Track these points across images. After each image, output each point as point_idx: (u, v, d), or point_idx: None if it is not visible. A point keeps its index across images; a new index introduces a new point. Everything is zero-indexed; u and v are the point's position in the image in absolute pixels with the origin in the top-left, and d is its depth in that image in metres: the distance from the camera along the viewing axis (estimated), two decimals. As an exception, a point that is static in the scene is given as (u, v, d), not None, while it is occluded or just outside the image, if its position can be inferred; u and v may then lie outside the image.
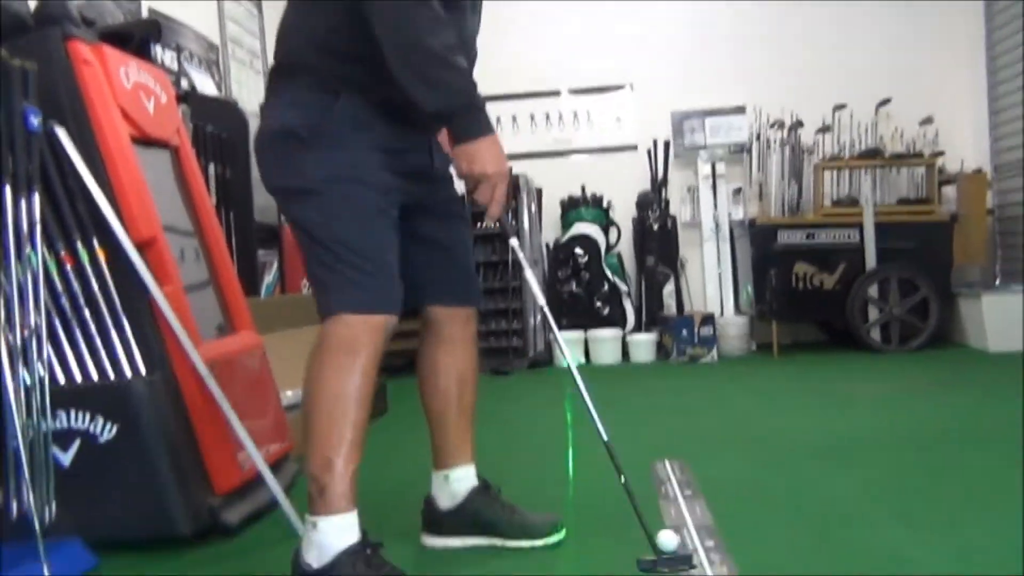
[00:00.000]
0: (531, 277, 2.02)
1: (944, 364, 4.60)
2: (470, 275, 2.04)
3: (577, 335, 5.62)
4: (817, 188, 5.36)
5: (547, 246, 5.85)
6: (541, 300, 2.05)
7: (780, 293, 5.25)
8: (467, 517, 1.99)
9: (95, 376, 2.15)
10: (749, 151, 5.77)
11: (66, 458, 2.11)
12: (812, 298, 5.27)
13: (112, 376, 2.15)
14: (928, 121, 5.45)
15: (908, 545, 1.85)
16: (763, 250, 5.33)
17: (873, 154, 5.36)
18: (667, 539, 1.73)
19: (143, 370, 2.17)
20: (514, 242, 1.94)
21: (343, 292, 1.70)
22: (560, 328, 5.59)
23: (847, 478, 2.44)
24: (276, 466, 2.48)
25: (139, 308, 2.19)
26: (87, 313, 2.14)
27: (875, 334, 5.23)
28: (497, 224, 1.83)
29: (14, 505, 1.96)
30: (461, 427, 2.03)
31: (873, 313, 5.23)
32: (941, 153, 5.38)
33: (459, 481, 2.01)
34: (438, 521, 2.02)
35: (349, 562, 1.62)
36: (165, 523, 2.14)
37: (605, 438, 1.82)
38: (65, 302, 2.13)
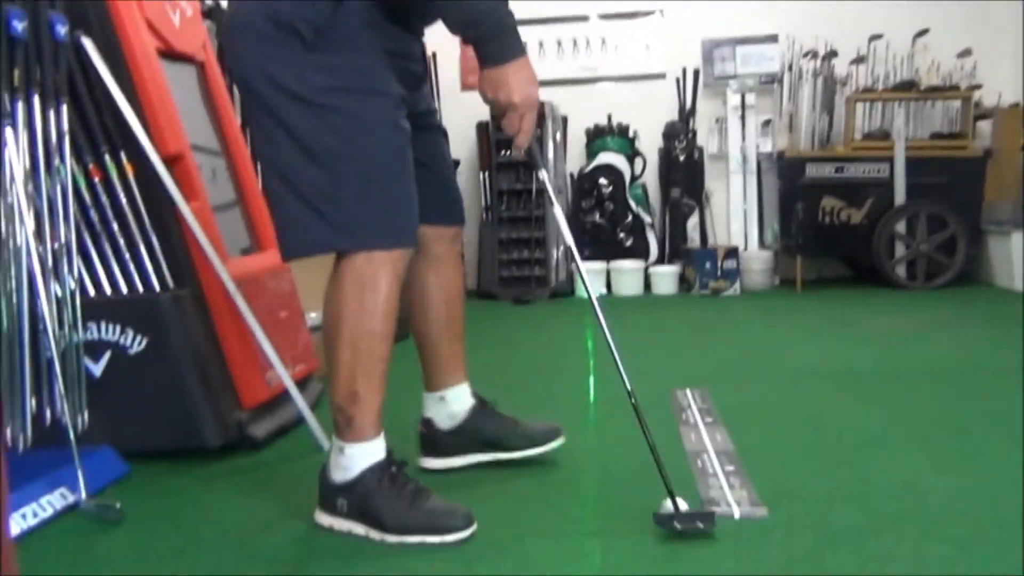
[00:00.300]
0: (559, 214, 1.92)
1: (970, 302, 4.56)
2: (454, 191, 1.95)
3: (599, 266, 5.61)
4: (848, 121, 5.25)
5: (571, 176, 5.80)
6: (569, 239, 1.96)
7: (806, 228, 5.19)
8: (469, 435, 1.99)
9: (124, 289, 2.18)
10: (780, 82, 5.64)
11: (97, 369, 2.15)
12: (838, 233, 5.20)
13: (141, 290, 2.18)
14: (966, 53, 5.30)
15: (927, 474, 1.86)
16: (790, 183, 5.25)
17: (908, 86, 5.22)
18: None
19: (171, 284, 2.20)
20: (543, 175, 1.84)
21: (365, 228, 1.59)
22: (582, 259, 5.63)
23: (868, 408, 2.45)
24: (301, 384, 2.51)
25: (167, 223, 2.20)
26: (115, 227, 2.16)
27: (901, 271, 5.17)
28: (525, 154, 1.73)
29: (48, 413, 2.01)
30: (453, 347, 1.99)
31: (900, 249, 5.17)
32: (978, 86, 5.23)
33: (457, 400, 1.99)
34: (439, 442, 2.00)
35: (374, 478, 1.64)
36: (193, 435, 2.19)
37: (628, 387, 1.76)
38: (94, 215, 2.14)
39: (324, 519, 1.71)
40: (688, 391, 2.71)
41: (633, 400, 1.76)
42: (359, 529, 1.65)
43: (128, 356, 2.15)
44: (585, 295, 5.58)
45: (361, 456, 1.66)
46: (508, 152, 5.63)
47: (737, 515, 1.66)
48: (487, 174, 5.75)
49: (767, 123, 5.74)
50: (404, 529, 1.60)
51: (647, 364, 3.29)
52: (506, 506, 1.76)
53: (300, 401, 2.31)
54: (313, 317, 2.82)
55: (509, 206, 5.62)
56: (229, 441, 2.23)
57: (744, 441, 2.14)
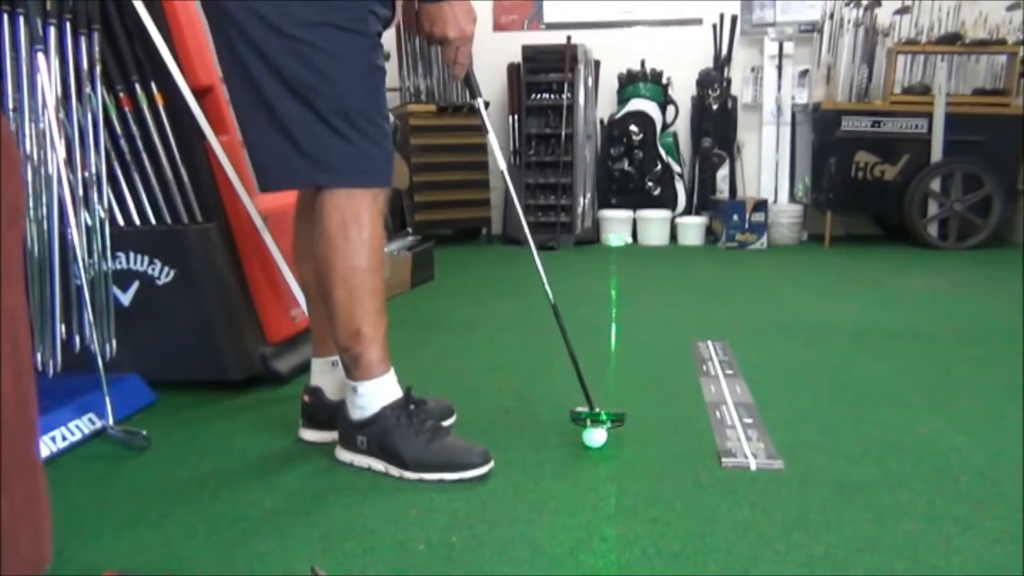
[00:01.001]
0: (494, 141, 1.96)
1: (1001, 264, 4.48)
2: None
3: (626, 214, 5.58)
4: (889, 73, 5.12)
5: (601, 122, 5.73)
6: (502, 164, 2.02)
7: (838, 182, 5.11)
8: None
9: (153, 220, 2.19)
10: (820, 31, 5.50)
11: (126, 298, 2.18)
12: (871, 189, 5.12)
13: (169, 222, 2.19)
14: (1016, 6, 5.13)
15: (947, 433, 1.85)
16: (825, 136, 5.16)
17: (952, 39, 5.08)
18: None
19: (199, 218, 2.21)
20: (480, 103, 1.87)
21: (350, 164, 1.61)
22: (609, 207, 5.60)
23: (890, 366, 2.43)
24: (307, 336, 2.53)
25: (196, 156, 2.20)
26: (145, 158, 2.17)
27: (932, 230, 5.10)
28: (464, 83, 1.81)
29: (77, 340, 2.04)
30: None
31: (933, 208, 5.08)
32: (1026, 42, 5.09)
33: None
34: (326, 414, 1.84)
35: (392, 416, 1.67)
36: (218, 367, 2.22)
37: (551, 299, 1.89)
38: (124, 145, 2.15)
39: (344, 455, 1.73)
40: (709, 343, 2.70)
41: (553, 303, 1.88)
42: (378, 465, 1.68)
43: (156, 287, 2.18)
44: (611, 243, 5.57)
45: (376, 394, 1.68)
46: (536, 95, 5.57)
47: (754, 467, 1.67)
48: (516, 117, 5.69)
49: (804, 73, 5.62)
50: (422, 466, 1.63)
51: (670, 314, 3.29)
52: (525, 448, 1.78)
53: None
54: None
55: (537, 151, 5.58)
56: (253, 375, 2.27)
57: (763, 395, 2.14)
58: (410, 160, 4.98)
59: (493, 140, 1.95)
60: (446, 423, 1.94)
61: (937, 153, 5.01)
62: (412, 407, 1.69)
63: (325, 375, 1.89)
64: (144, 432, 1.83)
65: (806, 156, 5.50)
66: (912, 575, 1.24)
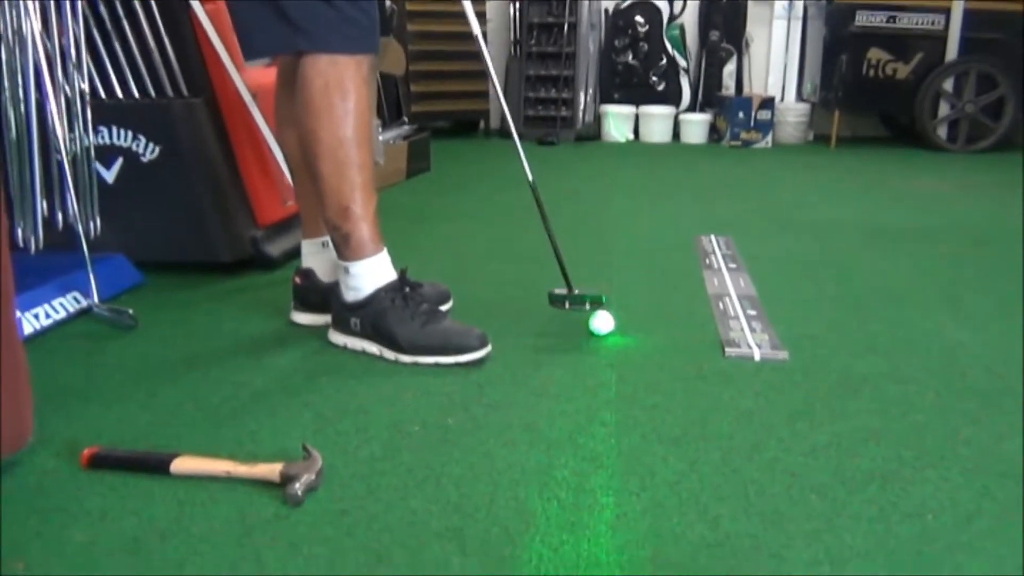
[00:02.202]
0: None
1: (1010, 168, 4.39)
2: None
3: (628, 110, 5.43)
4: (908, -35, 4.91)
5: (605, 11, 5.51)
6: (476, 30, 1.96)
7: (849, 80, 4.95)
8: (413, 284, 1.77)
9: (136, 93, 2.09)
10: (838, -81, 5.24)
11: (110, 175, 2.10)
12: (882, 88, 4.97)
13: (154, 95, 2.09)
14: None
15: (954, 329, 1.81)
16: (837, 31, 4.98)
17: (977, -70, 4.85)
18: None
19: (185, 91, 2.10)
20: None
21: (333, 29, 1.52)
22: (611, 102, 5.44)
23: (897, 264, 2.38)
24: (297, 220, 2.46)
25: (181, 25, 2.09)
26: (127, 25, 2.04)
27: (942, 132, 4.98)
28: None
29: (59, 217, 1.96)
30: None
31: (944, 108, 4.95)
32: (1054, -66, 4.85)
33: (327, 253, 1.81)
34: (318, 296, 1.79)
35: (387, 298, 1.61)
36: (207, 249, 2.16)
37: (530, 178, 1.92)
38: (103, 10, 2.02)
39: (338, 338, 1.69)
40: (713, 237, 2.64)
41: (533, 186, 1.89)
42: (372, 348, 1.63)
43: (141, 164, 2.09)
44: (613, 139, 5.42)
45: (369, 275, 1.62)
46: (541, -18, 5.34)
47: (758, 357, 1.62)
48: (517, 5, 5.47)
49: (819, -35, 5.38)
50: (418, 348, 1.58)
51: (672, 209, 3.22)
52: (524, 334, 1.73)
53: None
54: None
55: (539, 41, 5.39)
56: (243, 258, 2.21)
57: (767, 288, 2.09)
58: (407, 48, 4.80)
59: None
60: (442, 309, 1.89)
61: (952, 51, 4.84)
62: (407, 289, 1.64)
63: (316, 256, 1.83)
64: (131, 311, 1.78)
65: (816, 54, 5.32)
66: (920, 463, 1.21)
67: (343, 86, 1.52)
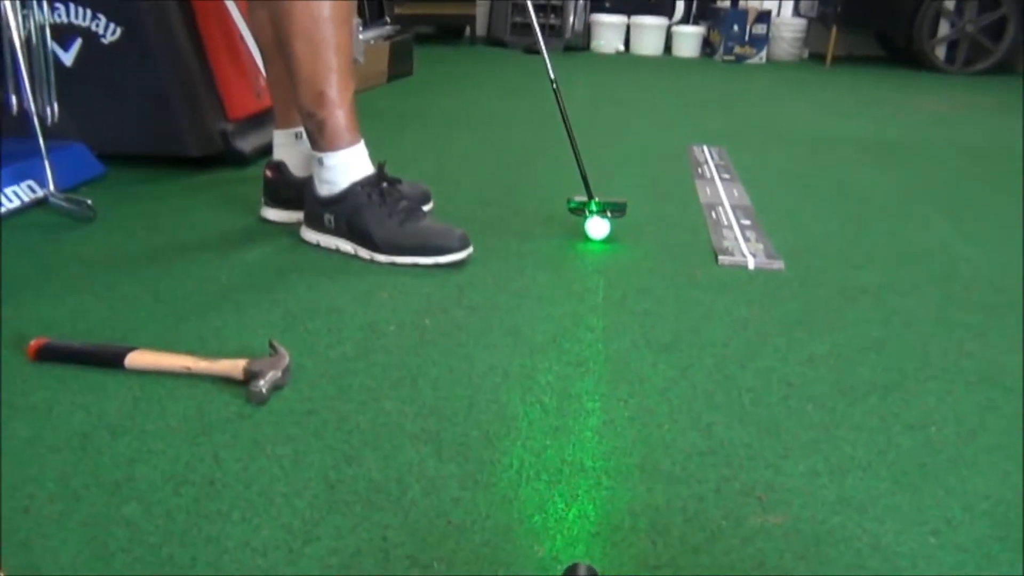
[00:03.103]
0: None
1: (1007, 90, 4.28)
2: None
3: (619, 19, 5.24)
4: None
5: (600, -86, 5.27)
6: None
7: (847, -5, 4.79)
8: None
9: (94, -30, 1.93)
10: None
11: (68, 57, 1.96)
12: (881, 5, 4.82)
13: (114, -29, 1.93)
14: None
15: (956, 243, 1.74)
16: (839, -57, 4.79)
17: None
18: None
19: (151, -30, 1.95)
20: None
21: None
22: (603, 11, 5.24)
23: (895, 177, 2.30)
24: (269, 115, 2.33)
25: None
26: None
27: (940, 52, 4.85)
28: None
29: (14, 101, 1.83)
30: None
31: (944, 28, 4.81)
32: None
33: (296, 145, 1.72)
34: (290, 191, 1.69)
35: (363, 193, 1.50)
36: (174, 142, 2.03)
37: (552, 75, 1.71)
38: None
39: (310, 235, 1.59)
40: (705, 147, 2.54)
41: (555, 86, 1.71)
42: (346, 247, 1.54)
43: (101, 46, 1.95)
44: (602, 50, 5.23)
45: (344, 168, 1.51)
46: None
47: (752, 266, 1.55)
48: (508, -96, 5.22)
49: None
50: (395, 248, 1.48)
51: (663, 118, 3.11)
52: (507, 237, 1.65)
53: (291, 118, 2.13)
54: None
55: (529, -57, 5.15)
56: (212, 153, 2.09)
57: (762, 199, 2.00)
58: (391, -55, 4.57)
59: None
60: (423, 209, 1.79)
61: (956, -33, 4.68)
62: (385, 185, 1.53)
63: (289, 148, 1.72)
64: (89, 202, 1.67)
65: (816, -35, 5.14)
66: (923, 375, 1.14)
67: None
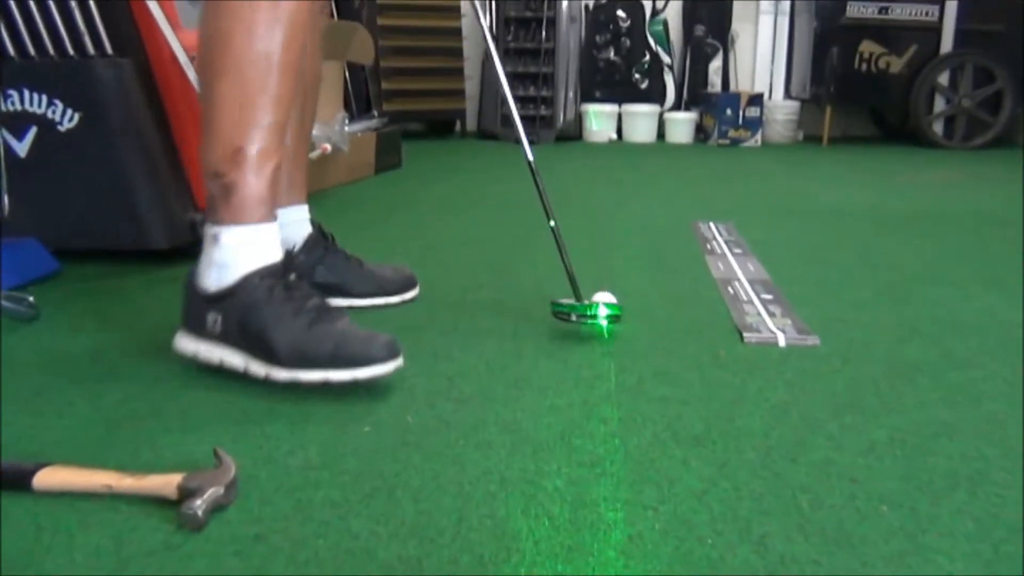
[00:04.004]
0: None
1: (1013, 162, 4.18)
2: None
3: (611, 108, 5.19)
4: (900, -46, 4.72)
5: (586, 7, 5.28)
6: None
7: (840, 74, 4.76)
8: (300, 272, 1.39)
9: (52, 51, 1.80)
10: (826, -91, 5.06)
11: (21, 147, 1.80)
12: (875, 82, 4.77)
13: (72, 53, 1.80)
14: None
15: (1004, 309, 1.55)
16: (828, 23, 4.78)
17: (971, -85, 4.67)
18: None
19: (109, 50, 1.82)
20: None
21: None
22: (593, 100, 5.20)
23: (920, 246, 2.13)
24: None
25: (103, -25, 1.80)
26: (38, -28, 1.76)
27: (938, 127, 4.78)
28: None
29: (-41, 193, 1.67)
30: (300, 152, 1.54)
31: (939, 104, 4.75)
32: (1051, -80, 4.69)
33: (293, 225, 1.52)
34: None
35: (262, 286, 1.16)
36: (137, 233, 1.86)
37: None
38: (8, -47, 1.74)
39: (187, 343, 1.23)
40: (711, 224, 2.38)
41: (532, 167, 1.56)
42: (234, 359, 1.18)
43: (58, 134, 1.80)
44: (595, 139, 5.15)
45: (244, 250, 1.18)
46: (519, -25, 5.11)
47: (783, 342, 1.36)
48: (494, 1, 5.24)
49: (807, -43, 5.19)
50: (300, 358, 1.13)
51: (664, 198, 2.98)
52: (501, 318, 1.46)
53: (266, 205, 1.98)
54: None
55: (516, 36, 5.15)
56: (181, 244, 1.91)
57: (781, 272, 1.83)
58: (377, 43, 4.54)
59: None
60: (407, 295, 1.61)
61: (947, 43, 4.65)
62: (292, 277, 1.21)
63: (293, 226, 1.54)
64: (31, 298, 1.48)
65: (805, 49, 5.12)
66: (1009, 463, 0.94)
67: None
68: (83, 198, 1.84)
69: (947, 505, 0.85)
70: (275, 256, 1.19)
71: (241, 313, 1.16)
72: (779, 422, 1.05)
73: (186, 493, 0.83)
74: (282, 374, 1.14)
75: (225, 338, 1.18)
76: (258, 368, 1.15)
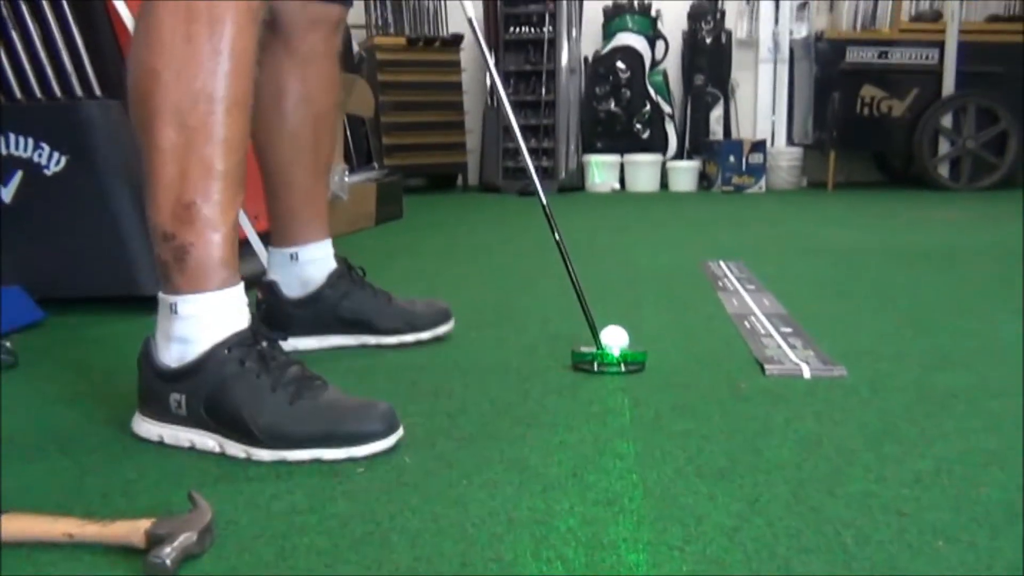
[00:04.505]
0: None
1: (1018, 206, 4.12)
2: None
3: (613, 159, 5.16)
4: (896, -1, 4.74)
5: (585, 59, 5.29)
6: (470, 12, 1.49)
7: (842, 119, 4.73)
8: (326, 309, 1.46)
9: (38, 93, 1.76)
10: (821, -43, 5.09)
11: (6, 192, 1.75)
12: (877, 126, 4.74)
13: (60, 95, 1.76)
14: (1032, -72, 4.76)
15: (1039, 341, 1.47)
16: (828, 69, 4.76)
17: (965, -39, 4.70)
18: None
19: (98, 92, 1.78)
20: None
21: None
22: (595, 151, 5.17)
23: (939, 280, 2.06)
24: (266, 238, 2.12)
25: (94, 16, 1.77)
26: (26, 14, 1.73)
27: (943, 170, 4.73)
28: None
29: (-60, 240, 1.61)
30: (316, 186, 1.46)
31: (944, 146, 4.71)
32: (1046, -37, 4.71)
33: (314, 263, 1.46)
34: (284, 315, 1.45)
35: (231, 359, 1.00)
36: (128, 280, 1.79)
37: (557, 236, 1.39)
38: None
39: (148, 428, 1.06)
40: (721, 262, 2.31)
41: (558, 237, 1.40)
42: (207, 441, 1.02)
43: (44, 178, 1.75)
44: (597, 189, 5.11)
45: (208, 320, 1.02)
46: (516, 29, 5.13)
47: (807, 374, 1.27)
48: (493, 54, 5.25)
49: (803, 6, 5.21)
50: (284, 438, 0.97)
51: (670, 239, 2.92)
52: (507, 356, 1.37)
53: (261, 250, 1.92)
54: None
55: (516, 89, 5.15)
56: (171, 290, 1.84)
57: (797, 307, 1.74)
58: (378, 98, 4.53)
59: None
60: (440, 330, 1.52)
61: (949, 86, 4.64)
62: (264, 344, 1.04)
63: (283, 268, 1.47)
64: (8, 344, 1.41)
65: (805, 96, 5.11)
66: (1074, 494, 0.85)
67: (215, 17, 0.98)
68: (71, 244, 1.78)
69: (1008, 538, 0.76)
70: (241, 323, 1.03)
71: (210, 392, 1.00)
72: (811, 454, 0.96)
73: (155, 540, 0.74)
74: (265, 454, 0.98)
75: (193, 420, 1.02)
76: (236, 450, 1.00)
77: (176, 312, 1.02)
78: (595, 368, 1.31)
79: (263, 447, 0.98)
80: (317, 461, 0.97)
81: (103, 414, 1.17)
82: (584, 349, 1.33)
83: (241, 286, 1.06)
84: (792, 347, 1.42)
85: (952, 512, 0.81)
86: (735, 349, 1.43)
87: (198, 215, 1.00)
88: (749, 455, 0.96)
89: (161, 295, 1.05)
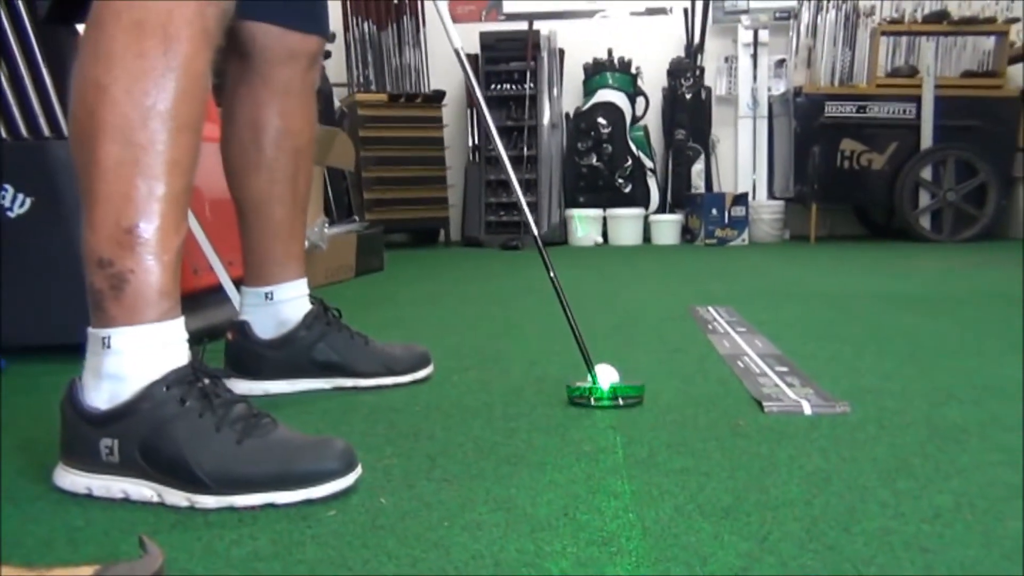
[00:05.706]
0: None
1: (1006, 253, 4.12)
2: None
3: (595, 213, 5.15)
4: (873, 55, 4.80)
5: (567, 115, 5.32)
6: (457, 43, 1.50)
7: (823, 172, 4.75)
8: (300, 352, 1.39)
9: (3, 134, 1.70)
10: (797, 16, 5.17)
11: (-34, 236, 1.68)
12: (858, 180, 4.77)
13: (26, 135, 1.70)
14: (1002, -14, 4.87)
15: (1043, 378, 1.41)
16: (808, 123, 4.80)
17: (939, 18, 4.78)
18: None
19: (66, 131, 1.72)
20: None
21: None
22: (577, 205, 5.16)
23: (938, 322, 2.01)
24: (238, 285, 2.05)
25: (63, 55, 1.72)
26: (-8, 52, 1.68)
27: (925, 222, 4.74)
28: None
29: None
30: (295, 224, 1.40)
31: (924, 198, 4.73)
32: (1015, 20, 4.79)
33: (290, 303, 1.39)
34: (256, 357, 1.38)
35: (171, 397, 0.91)
36: (93, 326, 1.71)
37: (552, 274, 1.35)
38: (-39, 31, 1.66)
39: (74, 478, 0.95)
40: (710, 308, 2.26)
41: (553, 275, 1.38)
42: (143, 491, 0.92)
43: (7, 220, 1.68)
44: (580, 243, 5.08)
45: (145, 354, 0.93)
46: (497, 86, 5.16)
47: (809, 410, 1.20)
48: (474, 110, 5.27)
49: (780, 63, 5.30)
50: (232, 481, 0.88)
51: (657, 287, 2.87)
52: (491, 396, 1.30)
53: (234, 295, 1.85)
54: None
55: (499, 145, 5.15)
56: (139, 337, 1.76)
57: (792, 348, 1.69)
58: (359, 154, 4.52)
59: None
60: (419, 374, 1.46)
61: (927, 139, 4.68)
62: (205, 381, 0.95)
63: (256, 308, 1.40)
64: (-41, 390, 1.32)
65: (784, 151, 5.15)
66: (1110, 527, 0.78)
67: (170, 30, 0.92)
68: (35, 290, 1.70)
69: (1047, 575, 0.69)
70: (180, 360, 0.94)
71: (147, 434, 0.90)
72: (821, 490, 0.89)
73: (96, 589, 0.66)
74: (211, 501, 0.88)
75: (127, 468, 0.91)
76: (177, 499, 0.90)
77: (109, 347, 0.93)
78: (591, 402, 1.24)
79: (208, 493, 0.88)
80: (270, 506, 0.88)
81: (54, 461, 1.08)
82: (579, 384, 1.27)
83: (181, 320, 0.97)
84: (790, 385, 1.36)
85: (980, 548, 0.74)
86: (730, 388, 1.37)
87: (139, 240, 0.92)
88: (754, 492, 0.89)
89: (91, 329, 0.95)
